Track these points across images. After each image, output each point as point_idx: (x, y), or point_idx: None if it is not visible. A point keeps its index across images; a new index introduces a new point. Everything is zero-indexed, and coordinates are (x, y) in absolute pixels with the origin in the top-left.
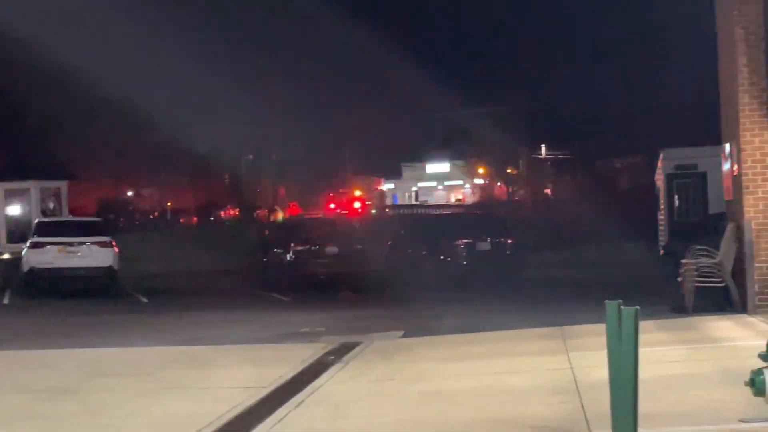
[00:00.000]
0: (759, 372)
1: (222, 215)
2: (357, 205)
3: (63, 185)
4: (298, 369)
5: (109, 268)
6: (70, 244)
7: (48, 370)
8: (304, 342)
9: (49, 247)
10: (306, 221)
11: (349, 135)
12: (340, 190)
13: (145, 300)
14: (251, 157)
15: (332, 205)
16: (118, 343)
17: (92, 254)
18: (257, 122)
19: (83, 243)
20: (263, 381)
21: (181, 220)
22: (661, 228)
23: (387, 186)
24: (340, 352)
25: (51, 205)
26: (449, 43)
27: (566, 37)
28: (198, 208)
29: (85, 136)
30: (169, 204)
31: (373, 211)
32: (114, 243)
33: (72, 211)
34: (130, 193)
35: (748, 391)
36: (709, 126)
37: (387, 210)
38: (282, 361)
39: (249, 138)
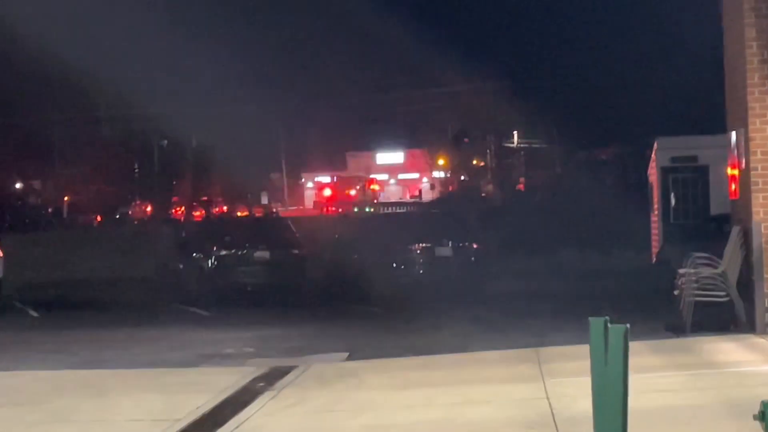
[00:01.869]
0: None
1: (130, 213)
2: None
3: None
4: (220, 398)
5: None
6: None
7: None
8: (227, 365)
9: None
10: (232, 221)
11: (284, 117)
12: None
13: (35, 314)
14: (166, 143)
15: (327, 192)
16: (1, 367)
17: None
18: (174, 101)
19: None
20: (177, 412)
21: (81, 219)
22: (654, 231)
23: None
24: (272, 377)
25: None
26: (410, 8)
27: (546, 9)
28: (101, 204)
29: None
30: (66, 199)
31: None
32: None
33: None
34: (18, 186)
35: (757, 425)
36: (712, 111)
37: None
38: (201, 388)
39: (163, 120)
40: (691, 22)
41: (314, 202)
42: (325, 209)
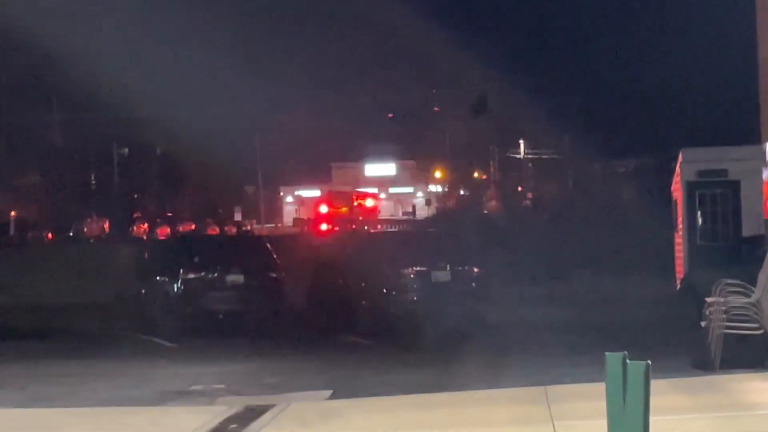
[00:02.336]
0: None
1: (85, 230)
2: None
3: None
4: None
5: None
6: None
7: None
8: (195, 404)
9: None
10: (201, 240)
11: (260, 123)
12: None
13: None
14: (127, 151)
15: (323, 208)
16: None
17: None
18: (137, 105)
19: None
20: None
21: (30, 236)
22: (678, 254)
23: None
24: (245, 418)
25: None
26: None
27: (560, 8)
28: (53, 219)
29: None
30: (12, 214)
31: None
32: None
33: None
34: None
35: None
36: (745, 119)
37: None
38: (164, 429)
39: (124, 125)
40: (722, 20)
41: (294, 219)
42: (307, 227)
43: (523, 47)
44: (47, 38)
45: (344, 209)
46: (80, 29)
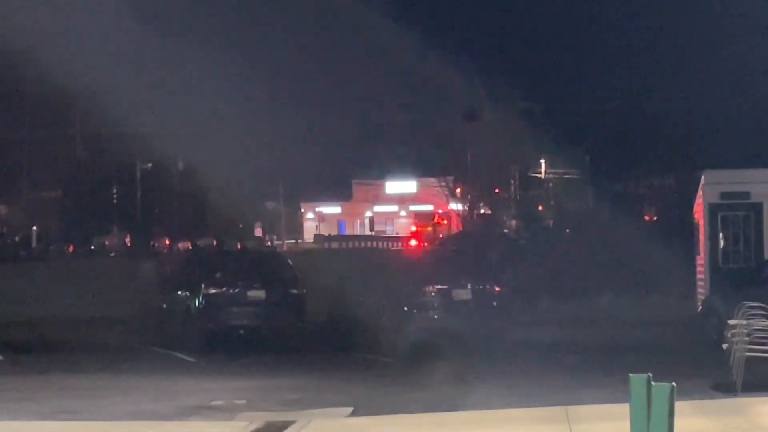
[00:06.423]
0: None
1: (106, 243)
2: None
3: None
4: None
5: None
6: None
7: None
8: (215, 419)
9: None
10: (223, 255)
11: (282, 139)
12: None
13: (0, 357)
14: (150, 165)
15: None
16: None
17: None
18: (160, 119)
19: None
20: None
21: (52, 249)
22: (700, 276)
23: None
24: None
25: None
26: (427, 21)
27: (582, 24)
28: (74, 232)
29: None
30: (34, 227)
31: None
32: None
33: None
34: None
35: None
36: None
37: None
38: None
39: (147, 140)
40: (746, 43)
41: (315, 235)
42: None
43: (544, 66)
44: (70, 53)
45: (429, 228)
46: (104, 45)
